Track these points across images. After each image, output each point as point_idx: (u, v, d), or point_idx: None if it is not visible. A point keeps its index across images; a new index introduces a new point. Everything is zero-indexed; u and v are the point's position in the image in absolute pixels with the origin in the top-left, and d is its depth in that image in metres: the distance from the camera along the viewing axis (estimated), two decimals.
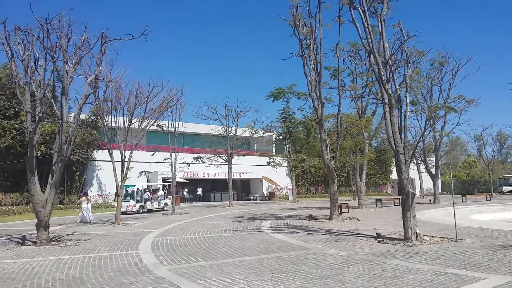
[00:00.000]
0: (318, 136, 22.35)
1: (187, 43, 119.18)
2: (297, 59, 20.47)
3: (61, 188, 31.05)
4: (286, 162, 46.18)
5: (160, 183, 35.54)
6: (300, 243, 12.94)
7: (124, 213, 26.65)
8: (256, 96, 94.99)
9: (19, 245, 14.01)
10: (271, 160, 43.01)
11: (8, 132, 28.36)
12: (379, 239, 13.01)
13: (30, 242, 14.40)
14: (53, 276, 8.93)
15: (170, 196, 33.91)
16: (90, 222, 22.14)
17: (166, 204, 32.34)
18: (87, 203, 22.94)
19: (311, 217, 20.82)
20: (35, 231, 14.26)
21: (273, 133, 42.67)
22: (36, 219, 14.02)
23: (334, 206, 20.41)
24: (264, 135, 42.16)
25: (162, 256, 11.14)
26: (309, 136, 37.78)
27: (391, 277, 8.09)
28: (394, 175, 56.83)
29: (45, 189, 14.47)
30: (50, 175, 14.20)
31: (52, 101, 15.00)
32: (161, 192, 33.14)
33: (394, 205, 30.88)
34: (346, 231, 15.68)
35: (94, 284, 8.12)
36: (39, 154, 14.61)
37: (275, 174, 46.37)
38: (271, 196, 48.32)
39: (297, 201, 40.51)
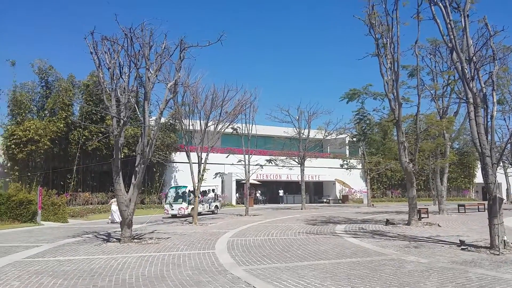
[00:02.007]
0: (395, 137, 21.54)
1: (261, 46, 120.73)
2: (373, 59, 19.96)
3: (142, 188, 32.68)
4: (361, 164, 45.09)
5: (210, 185, 33.01)
6: (377, 248, 12.56)
7: (174, 216, 26.57)
8: (329, 97, 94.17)
9: (105, 241, 14.94)
10: (345, 162, 42.18)
11: (95, 136, 30.40)
12: (462, 247, 12.28)
13: (114, 239, 15.31)
14: (136, 272, 9.41)
15: (220, 199, 33.52)
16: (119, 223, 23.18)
17: (216, 206, 30.63)
18: (115, 205, 23.98)
19: (388, 222, 20.12)
20: (119, 229, 15.14)
21: (346, 135, 41.84)
22: (120, 218, 14.88)
23: (413, 211, 19.57)
24: (337, 137, 41.47)
25: (237, 256, 11.34)
26: (385, 137, 36.59)
27: (476, 287, 7.61)
28: (478, 179, 53.40)
29: (128, 189, 15.34)
30: (133, 176, 15.02)
31: (135, 106, 15.83)
32: (211, 194, 31.29)
33: (478, 211, 29.02)
34: (426, 238, 14.96)
35: (174, 281, 8.44)
36: (122, 156, 15.52)
37: (349, 177, 45.40)
38: (344, 199, 47.38)
39: (372, 205, 39.36)
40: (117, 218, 23.36)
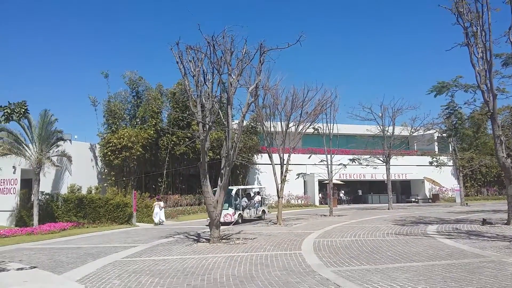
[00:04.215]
0: (490, 131, 20.06)
1: (341, 43, 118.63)
2: (461, 49, 18.76)
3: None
4: (452, 161, 42.58)
5: (256, 186, 30.37)
6: (473, 249, 11.80)
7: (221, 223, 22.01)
8: (414, 92, 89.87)
9: (195, 242, 15.60)
10: (434, 159, 40.03)
11: (182, 141, 31.81)
12: None
13: (204, 240, 15.92)
14: (226, 272, 9.71)
15: (267, 202, 30.46)
16: (162, 224, 24.69)
17: (263, 211, 26.78)
18: (159, 207, 25.24)
19: (484, 222, 18.79)
20: (208, 229, 15.70)
21: (435, 131, 39.72)
22: (209, 218, 15.45)
23: None
24: (425, 133, 39.52)
25: (324, 257, 11.26)
26: (479, 132, 34.16)
27: None
28: None
29: (214, 191, 15.87)
30: (219, 178, 15.53)
31: (219, 111, 16.35)
32: (258, 198, 27.39)
33: None
34: None
35: (263, 281, 8.59)
36: (208, 160, 16.09)
37: (439, 175, 43.03)
38: (434, 198, 44.98)
39: (466, 204, 36.94)
40: (158, 219, 24.95)
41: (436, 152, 45.75)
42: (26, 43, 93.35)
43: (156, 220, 24.95)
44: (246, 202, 25.61)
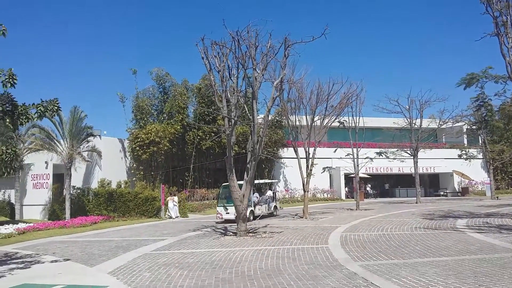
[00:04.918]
0: None
1: (366, 34, 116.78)
2: (491, 39, 18.27)
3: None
4: (481, 154, 41.59)
5: (267, 181, 28.82)
6: (505, 244, 11.56)
7: (229, 220, 20.61)
8: (443, 83, 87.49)
9: (223, 235, 15.80)
10: (463, 152, 39.18)
11: (208, 136, 32.13)
12: None
13: (231, 233, 16.10)
14: (254, 265, 9.82)
15: (278, 197, 28.18)
16: (175, 218, 25.06)
17: (275, 207, 25.16)
18: (173, 203, 25.65)
19: None
20: (235, 223, 15.86)
21: (464, 123, 38.84)
22: (236, 212, 15.62)
23: None
24: (453, 125, 38.69)
25: (352, 251, 11.24)
26: (510, 124, 33.24)
27: None
28: None
29: (239, 185, 16.00)
30: (245, 173, 15.64)
31: (244, 105, 16.42)
32: (269, 193, 25.56)
33: None
34: None
35: (291, 275, 8.66)
36: (233, 154, 16.20)
37: (468, 168, 42.09)
38: (464, 192, 44.03)
39: (497, 197, 36.05)
40: (173, 214, 25.43)
41: (465, 145, 44.77)
42: (52, 44, 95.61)
43: (172, 214, 25.45)
44: (257, 197, 23.70)
